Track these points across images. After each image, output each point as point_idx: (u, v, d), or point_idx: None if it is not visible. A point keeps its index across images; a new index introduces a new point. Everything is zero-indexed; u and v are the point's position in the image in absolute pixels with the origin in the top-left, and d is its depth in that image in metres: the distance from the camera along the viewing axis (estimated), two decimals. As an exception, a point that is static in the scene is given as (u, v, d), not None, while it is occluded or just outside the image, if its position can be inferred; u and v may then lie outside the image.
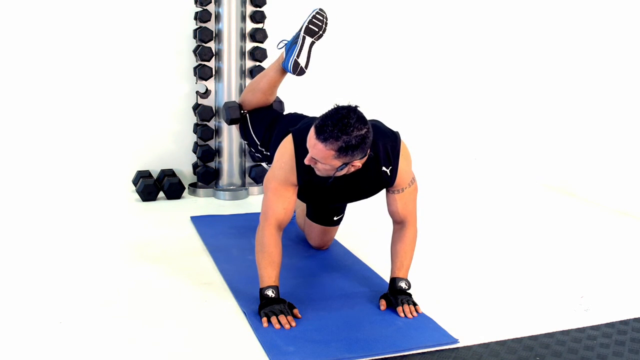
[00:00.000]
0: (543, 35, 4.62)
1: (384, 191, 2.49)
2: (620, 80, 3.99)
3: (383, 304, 2.36)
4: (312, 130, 2.14)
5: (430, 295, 2.48)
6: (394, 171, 2.37)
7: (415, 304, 2.34)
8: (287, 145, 2.36)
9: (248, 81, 3.97)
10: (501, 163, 4.89)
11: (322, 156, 2.13)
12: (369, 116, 2.21)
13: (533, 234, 3.40)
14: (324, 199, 2.54)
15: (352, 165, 2.20)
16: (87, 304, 2.34)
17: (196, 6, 3.90)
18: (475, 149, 4.93)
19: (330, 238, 2.98)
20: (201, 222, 3.37)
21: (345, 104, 2.15)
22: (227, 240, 3.06)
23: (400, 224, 2.48)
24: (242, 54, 3.93)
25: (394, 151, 2.36)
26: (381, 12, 4.51)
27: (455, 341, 2.13)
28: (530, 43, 4.72)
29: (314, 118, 2.38)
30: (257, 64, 3.97)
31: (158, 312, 2.30)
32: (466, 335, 2.17)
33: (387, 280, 2.48)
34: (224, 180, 4.02)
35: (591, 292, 2.58)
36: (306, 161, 2.19)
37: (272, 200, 2.35)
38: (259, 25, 3.96)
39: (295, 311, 2.26)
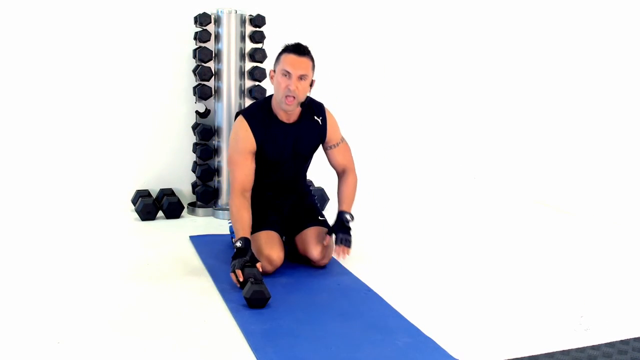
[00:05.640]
0: (540, 59, 4.65)
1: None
2: (613, 104, 4.03)
3: (327, 239, 2.96)
4: (284, 56, 2.82)
5: (430, 315, 2.48)
6: (324, 121, 3.03)
7: (349, 246, 2.91)
8: (239, 122, 2.93)
9: (247, 101, 3.98)
10: (500, 182, 4.90)
11: (306, 67, 2.81)
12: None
13: (532, 253, 3.40)
14: (279, 152, 2.95)
15: (310, 86, 2.87)
16: (86, 324, 2.33)
17: (196, 26, 3.93)
18: (474, 168, 4.93)
19: (329, 245, 3.00)
20: (200, 242, 3.37)
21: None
22: (226, 259, 3.05)
23: (343, 173, 3.11)
24: (242, 73, 3.95)
25: (320, 107, 3.05)
26: (377, 35, 4.54)
27: (455, 361, 2.12)
28: (528, 66, 4.75)
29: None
30: (257, 83, 3.98)
31: (157, 332, 2.29)
32: (466, 355, 2.16)
33: (387, 299, 2.56)
34: (223, 199, 4.01)
35: (591, 311, 2.58)
36: (292, 87, 2.77)
37: (235, 171, 2.88)
38: (259, 45, 3.98)
39: (258, 265, 2.67)
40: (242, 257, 2.67)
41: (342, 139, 3.13)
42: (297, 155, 3.04)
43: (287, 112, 2.90)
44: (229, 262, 2.99)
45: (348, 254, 2.93)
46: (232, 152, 2.93)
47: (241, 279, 2.59)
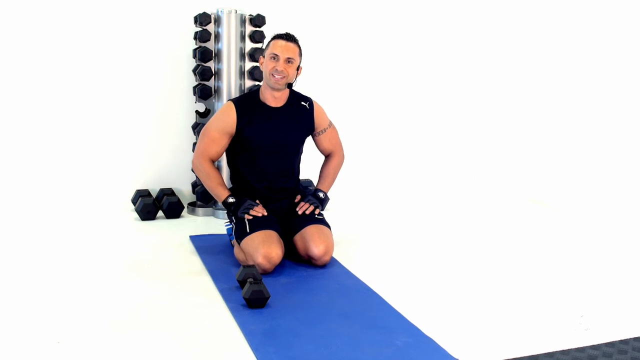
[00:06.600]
0: (540, 59, 4.66)
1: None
2: (611, 104, 4.04)
3: (298, 198, 3.16)
4: (273, 42, 3.00)
5: (430, 315, 2.48)
6: (311, 106, 3.17)
7: (316, 208, 3.10)
8: (226, 104, 3.10)
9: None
10: (499, 182, 4.90)
11: (293, 52, 2.98)
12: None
13: (532, 253, 3.39)
14: (265, 136, 3.05)
15: (297, 73, 3.05)
16: (86, 324, 2.33)
17: (196, 26, 3.93)
18: (474, 168, 4.94)
19: (329, 241, 3.00)
20: (200, 242, 3.37)
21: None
22: (226, 259, 3.06)
23: (329, 155, 3.27)
24: (242, 73, 3.95)
25: (307, 97, 3.20)
26: (377, 34, 4.54)
27: (455, 361, 2.13)
28: (528, 67, 4.76)
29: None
30: (257, 83, 3.98)
31: (157, 332, 2.29)
32: (466, 355, 2.16)
33: (387, 299, 2.57)
34: (223, 199, 4.01)
35: (591, 311, 2.58)
36: (279, 67, 2.94)
37: (209, 144, 3.06)
38: (258, 45, 3.98)
39: (257, 202, 3.04)
40: (244, 202, 3.00)
41: (330, 124, 3.26)
42: (285, 141, 3.11)
43: (275, 89, 3.03)
44: (229, 262, 3.01)
45: (309, 211, 3.09)
46: (210, 126, 3.08)
47: (260, 214, 2.96)
